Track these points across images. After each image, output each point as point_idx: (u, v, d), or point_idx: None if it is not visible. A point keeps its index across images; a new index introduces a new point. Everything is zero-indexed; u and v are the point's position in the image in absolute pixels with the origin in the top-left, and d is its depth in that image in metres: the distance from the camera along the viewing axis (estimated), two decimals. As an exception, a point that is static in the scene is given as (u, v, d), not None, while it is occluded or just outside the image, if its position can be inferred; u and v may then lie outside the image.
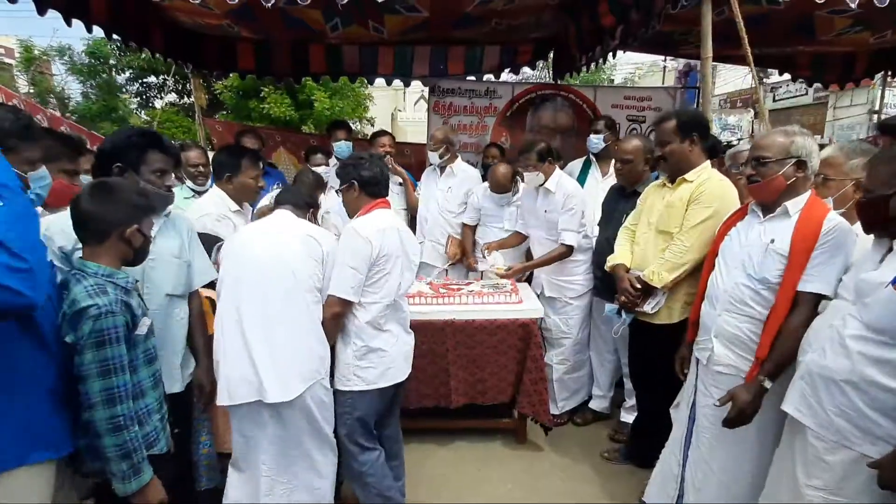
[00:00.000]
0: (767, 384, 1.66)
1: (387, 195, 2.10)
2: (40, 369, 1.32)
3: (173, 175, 1.88)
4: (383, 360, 2.01)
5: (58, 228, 1.55)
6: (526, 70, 5.87)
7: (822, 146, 1.87)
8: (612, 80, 17.25)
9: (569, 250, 2.89)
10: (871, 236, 1.50)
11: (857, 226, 1.67)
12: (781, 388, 1.64)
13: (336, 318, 1.93)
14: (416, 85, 5.52)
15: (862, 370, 1.37)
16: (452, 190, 3.49)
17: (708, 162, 2.25)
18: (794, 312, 1.65)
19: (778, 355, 1.65)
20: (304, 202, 2.11)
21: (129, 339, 1.40)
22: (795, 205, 1.71)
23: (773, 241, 1.71)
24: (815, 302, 1.63)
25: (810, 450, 1.49)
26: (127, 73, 13.18)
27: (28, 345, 1.29)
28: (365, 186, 2.03)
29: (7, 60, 16.75)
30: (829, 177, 1.84)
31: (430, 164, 3.63)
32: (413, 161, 5.04)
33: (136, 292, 1.51)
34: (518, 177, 3.32)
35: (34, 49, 14.32)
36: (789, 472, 1.57)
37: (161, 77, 12.18)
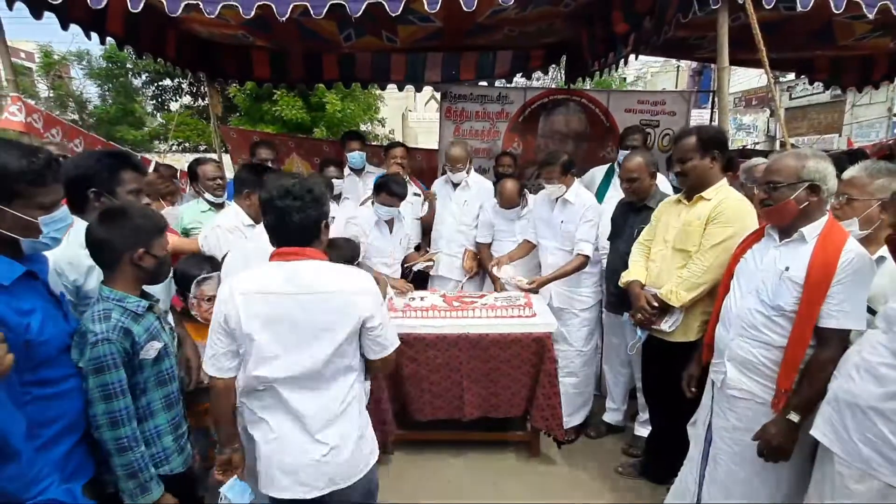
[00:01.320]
0: (795, 418, 1.64)
1: (291, 243, 1.52)
2: (74, 401, 1.38)
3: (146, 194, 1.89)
4: (255, 457, 1.55)
5: (65, 262, 1.56)
6: (539, 74, 5.84)
7: (845, 155, 1.82)
8: (625, 78, 17.10)
9: (586, 261, 2.91)
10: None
11: (884, 249, 1.65)
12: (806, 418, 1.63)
13: (216, 396, 1.55)
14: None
15: (891, 399, 1.35)
16: (469, 203, 3.48)
17: (725, 179, 2.23)
18: (822, 349, 1.63)
19: (807, 391, 1.63)
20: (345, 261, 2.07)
21: (131, 364, 1.44)
22: (812, 230, 1.68)
23: (787, 268, 1.68)
24: (843, 338, 1.60)
25: (837, 478, 1.48)
26: (143, 77, 13.41)
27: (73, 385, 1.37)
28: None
29: (28, 65, 17.10)
30: (853, 197, 1.78)
31: (444, 178, 3.59)
32: (425, 167, 5.06)
33: (155, 314, 1.53)
34: (526, 190, 3.31)
35: (53, 54, 14.61)
36: (819, 497, 1.55)
37: (176, 80, 12.36)
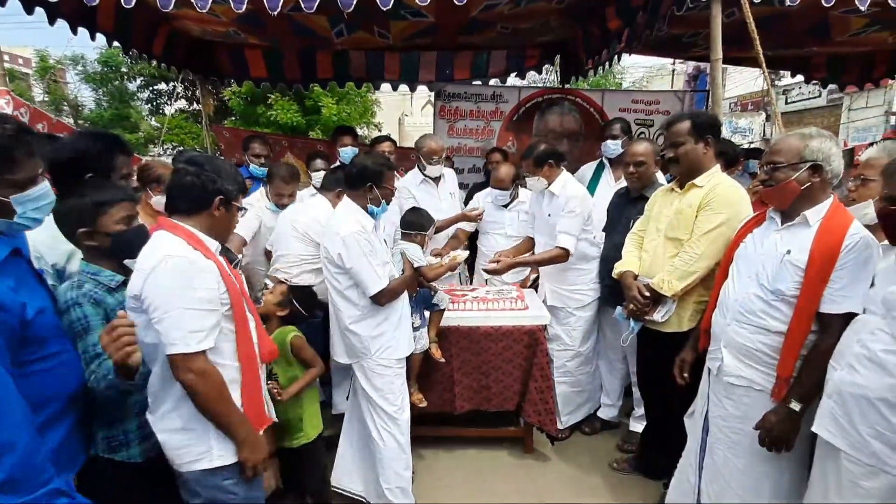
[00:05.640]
0: (796, 406, 1.59)
1: (173, 209, 1.48)
2: (69, 376, 1.34)
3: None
4: None
5: (45, 247, 1.54)
6: (533, 74, 5.84)
7: None
8: (621, 84, 17.14)
9: (564, 253, 2.73)
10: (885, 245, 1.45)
11: None
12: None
13: None
14: (423, 90, 5.52)
15: None
16: (453, 194, 3.44)
17: (718, 166, 2.19)
18: (825, 335, 1.57)
19: (809, 379, 1.57)
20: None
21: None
22: (815, 213, 1.63)
23: (789, 251, 1.63)
24: (846, 323, 1.54)
25: (845, 474, 1.40)
26: (138, 81, 13.40)
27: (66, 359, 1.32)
28: None
29: (25, 70, 17.14)
30: (868, 177, 1.78)
31: (416, 176, 3.35)
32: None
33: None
34: (519, 182, 3.26)
35: (49, 58, 14.62)
36: (823, 495, 1.49)
37: (171, 84, 12.35)
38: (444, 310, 2.59)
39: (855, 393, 1.38)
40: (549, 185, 2.83)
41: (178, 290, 1.33)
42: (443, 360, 2.57)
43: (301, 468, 2.25)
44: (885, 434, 1.31)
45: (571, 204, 2.74)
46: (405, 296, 2.30)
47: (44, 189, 1.25)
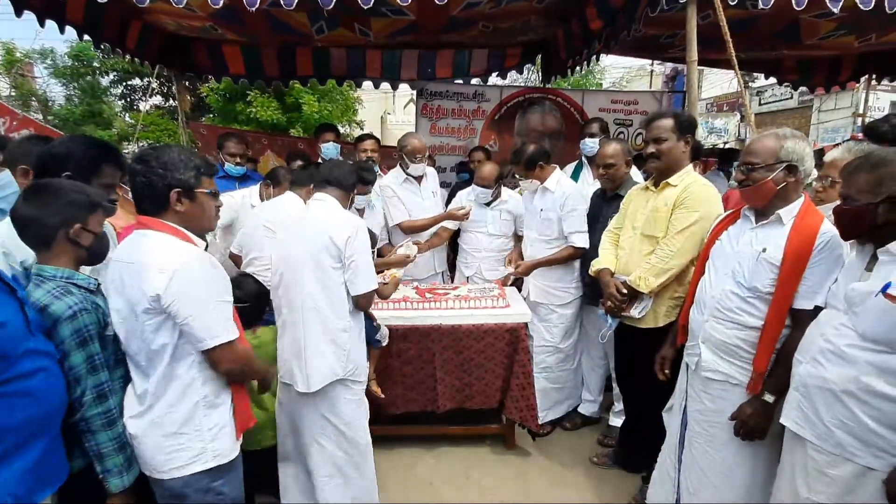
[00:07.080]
0: (769, 398, 1.64)
1: (141, 210, 1.47)
2: (46, 396, 1.26)
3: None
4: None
5: (13, 243, 1.47)
6: (514, 74, 5.87)
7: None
8: (601, 84, 17.35)
9: (576, 252, 2.81)
10: (851, 242, 1.50)
11: None
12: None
13: None
14: (406, 88, 5.49)
15: (863, 380, 1.33)
16: (435, 193, 3.43)
17: (690, 165, 2.25)
18: (797, 330, 1.61)
19: (783, 372, 1.61)
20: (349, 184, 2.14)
21: (102, 337, 1.40)
22: (789, 212, 1.68)
23: (765, 249, 1.68)
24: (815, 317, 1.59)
25: (811, 463, 1.45)
26: (111, 76, 12.99)
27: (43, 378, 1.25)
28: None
29: (-12, 64, 16.46)
30: (835, 178, 1.83)
31: (398, 176, 3.34)
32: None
33: (101, 293, 1.47)
34: (501, 181, 3.28)
35: (16, 51, 14.07)
36: (791, 485, 1.53)
37: (146, 80, 12.05)
38: (383, 347, 2.47)
39: (820, 386, 1.43)
40: (543, 183, 2.90)
41: (207, 285, 1.40)
42: (382, 396, 2.52)
43: (267, 471, 2.21)
44: (849, 424, 1.36)
45: (570, 202, 2.81)
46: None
47: (6, 178, 1.21)
